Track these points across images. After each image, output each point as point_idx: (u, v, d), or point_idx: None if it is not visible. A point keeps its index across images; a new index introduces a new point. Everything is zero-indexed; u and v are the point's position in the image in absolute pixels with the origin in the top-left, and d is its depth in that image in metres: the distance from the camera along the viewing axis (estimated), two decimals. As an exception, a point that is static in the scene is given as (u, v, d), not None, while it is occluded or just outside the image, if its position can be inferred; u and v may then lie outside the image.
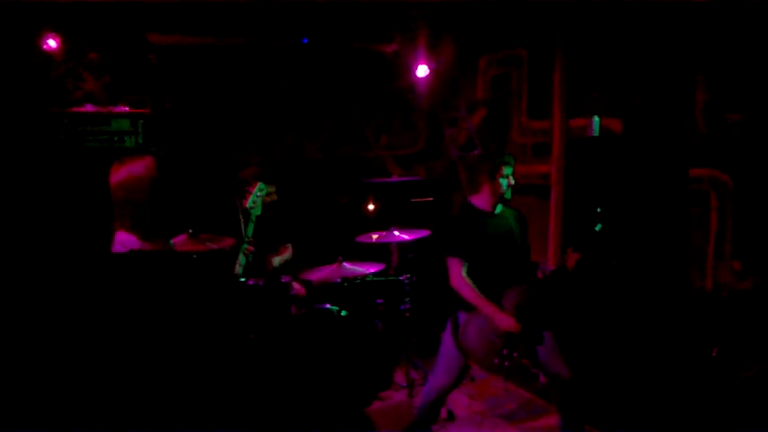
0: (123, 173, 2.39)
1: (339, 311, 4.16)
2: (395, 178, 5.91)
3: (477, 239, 3.44)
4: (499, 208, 3.55)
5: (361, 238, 4.57)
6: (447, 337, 3.51)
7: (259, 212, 3.40)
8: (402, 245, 4.59)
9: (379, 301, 4.58)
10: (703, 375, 3.36)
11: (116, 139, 4.78)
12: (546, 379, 3.56)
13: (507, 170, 3.47)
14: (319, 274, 4.33)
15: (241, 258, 3.15)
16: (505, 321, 3.27)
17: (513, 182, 3.50)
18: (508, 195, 3.52)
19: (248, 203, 3.40)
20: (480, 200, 3.52)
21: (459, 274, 3.39)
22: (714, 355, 3.25)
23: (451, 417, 4.17)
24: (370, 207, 5.14)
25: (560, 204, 4.95)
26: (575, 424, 3.57)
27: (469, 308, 3.38)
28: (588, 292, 4.18)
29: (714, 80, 4.31)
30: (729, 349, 3.37)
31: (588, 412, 3.72)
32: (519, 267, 3.53)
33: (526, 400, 4.38)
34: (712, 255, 4.25)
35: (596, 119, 4.88)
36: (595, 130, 4.87)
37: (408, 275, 4.58)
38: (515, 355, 3.29)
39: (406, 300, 4.59)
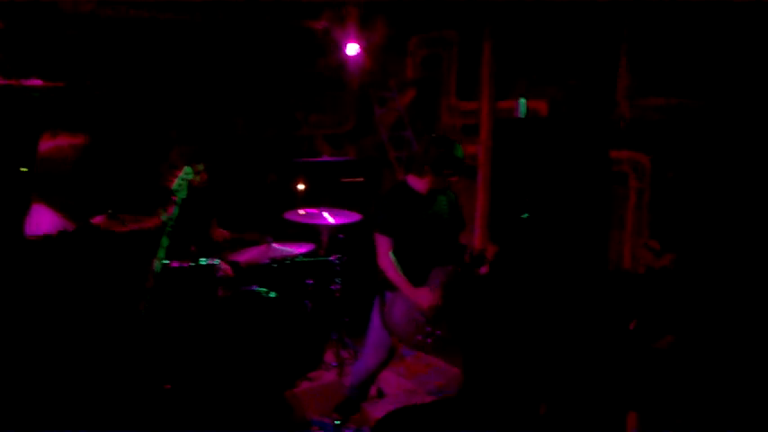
0: (51, 145, 2.33)
1: (267, 293, 4.11)
2: (325, 158, 5.85)
3: (409, 220, 3.47)
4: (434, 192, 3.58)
5: (289, 215, 4.50)
6: (375, 316, 3.54)
7: (185, 195, 3.29)
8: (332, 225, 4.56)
9: (310, 281, 4.55)
10: (620, 348, 3.51)
11: (28, 112, 4.51)
12: None
13: (452, 171, 3.48)
14: (247, 255, 4.26)
15: (164, 240, 3.04)
16: (424, 298, 3.33)
17: (453, 181, 3.53)
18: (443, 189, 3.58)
19: (174, 186, 3.29)
20: (418, 183, 3.53)
21: (386, 253, 3.42)
22: (631, 328, 3.40)
23: (381, 394, 4.21)
24: (300, 187, 5.08)
25: (488, 185, 5.04)
26: None
27: (395, 287, 3.41)
28: (514, 275, 4.27)
29: (637, 64, 4.46)
30: (645, 323, 3.53)
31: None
32: (448, 249, 3.59)
33: (454, 376, 4.47)
34: (631, 234, 4.44)
35: (522, 101, 4.98)
36: (522, 112, 4.97)
37: (339, 255, 4.57)
38: (438, 332, 3.36)
39: (337, 280, 4.57)
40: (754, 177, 3.89)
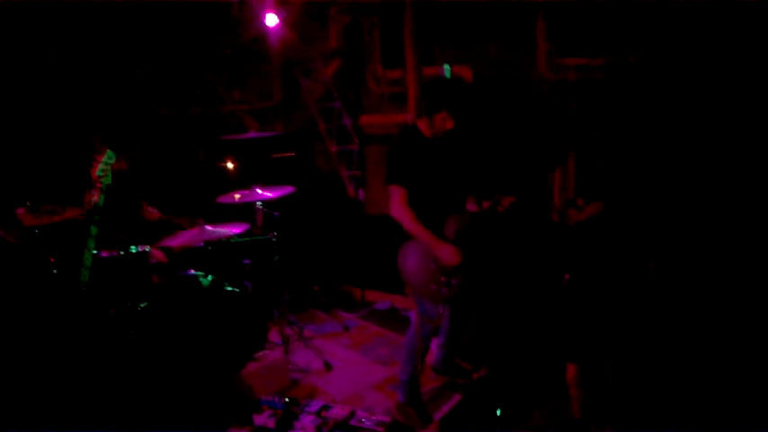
0: None
1: (205, 276, 4.02)
2: (252, 134, 5.72)
3: (420, 166, 3.32)
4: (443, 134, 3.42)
5: (223, 199, 4.41)
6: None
7: (109, 181, 3.16)
8: (267, 203, 4.49)
9: (247, 261, 4.48)
10: (558, 298, 3.65)
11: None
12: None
13: (445, 114, 3.31)
14: (180, 240, 4.13)
15: (92, 229, 2.92)
16: (446, 252, 3.24)
17: (448, 126, 3.35)
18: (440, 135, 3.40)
19: (97, 172, 3.15)
20: (423, 126, 3.41)
21: (398, 203, 3.26)
22: (564, 283, 3.55)
23: (329, 367, 4.23)
24: (230, 166, 4.95)
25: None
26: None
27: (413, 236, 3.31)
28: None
29: (555, 26, 4.56)
30: (575, 274, 3.69)
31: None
32: (461, 195, 3.53)
33: (398, 344, 4.55)
34: (558, 191, 4.59)
35: (447, 67, 5.01)
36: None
37: (275, 233, 4.51)
38: (453, 281, 3.31)
39: (275, 257, 4.52)
40: (674, 132, 4.10)
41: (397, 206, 3.28)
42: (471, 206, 3.62)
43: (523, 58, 4.75)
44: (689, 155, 4.03)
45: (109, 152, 3.28)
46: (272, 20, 5.49)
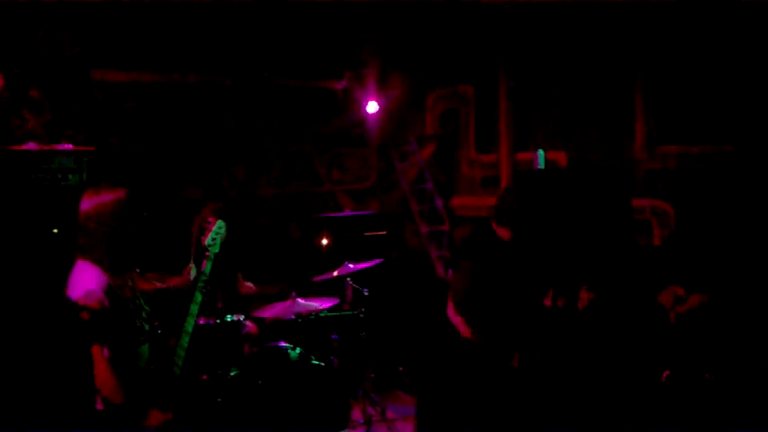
0: (96, 201, 2.40)
1: (293, 349, 4.09)
2: (347, 212, 5.92)
3: (493, 277, 3.32)
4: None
5: (320, 278, 4.51)
6: None
7: (217, 250, 3.31)
8: (356, 280, 4.57)
9: (335, 336, 4.52)
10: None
11: (59, 176, 4.65)
12: None
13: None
14: (272, 311, 4.25)
15: (197, 296, 3.05)
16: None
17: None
18: None
19: (207, 241, 3.31)
20: (502, 232, 3.42)
21: (454, 311, 3.33)
22: (664, 379, 3.34)
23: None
24: (324, 242, 5.11)
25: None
26: None
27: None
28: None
29: (653, 112, 4.51)
30: (676, 368, 3.46)
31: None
32: (537, 293, 3.53)
33: None
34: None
35: (541, 152, 5.03)
36: (541, 163, 5.02)
37: (363, 310, 4.56)
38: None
39: (362, 334, 4.55)
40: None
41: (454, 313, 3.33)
42: (547, 301, 3.52)
43: (621, 144, 4.71)
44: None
45: (220, 222, 3.43)
46: (372, 107, 5.79)
